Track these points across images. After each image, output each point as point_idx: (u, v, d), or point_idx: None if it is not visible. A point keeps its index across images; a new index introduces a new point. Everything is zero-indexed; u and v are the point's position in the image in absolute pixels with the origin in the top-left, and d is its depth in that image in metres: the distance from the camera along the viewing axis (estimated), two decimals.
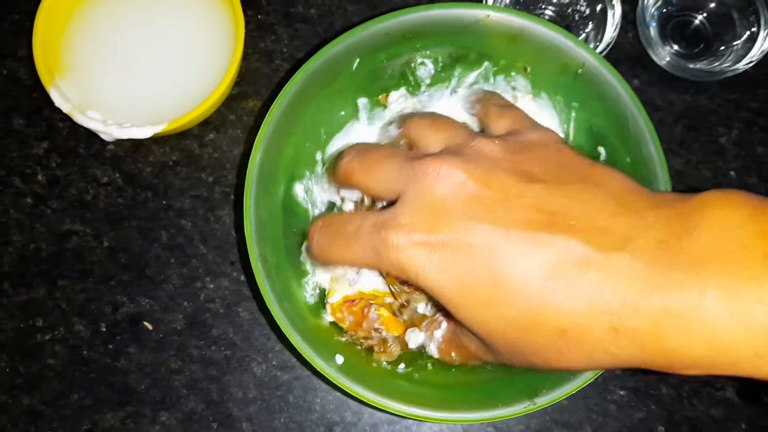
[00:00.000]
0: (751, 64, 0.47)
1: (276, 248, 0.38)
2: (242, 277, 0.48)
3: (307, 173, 0.42)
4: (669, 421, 0.46)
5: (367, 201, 0.40)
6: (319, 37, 0.51)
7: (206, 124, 0.50)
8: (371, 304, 0.40)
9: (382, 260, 0.30)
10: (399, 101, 0.44)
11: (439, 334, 0.36)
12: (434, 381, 0.39)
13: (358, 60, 0.40)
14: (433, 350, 0.37)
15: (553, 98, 0.42)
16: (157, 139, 0.50)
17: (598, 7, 0.49)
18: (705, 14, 0.51)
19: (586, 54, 0.39)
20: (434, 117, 0.35)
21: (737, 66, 0.48)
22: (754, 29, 0.48)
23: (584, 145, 0.42)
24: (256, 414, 0.46)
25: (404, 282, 0.39)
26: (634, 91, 0.38)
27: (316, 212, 0.43)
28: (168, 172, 0.49)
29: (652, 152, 0.37)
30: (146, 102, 0.47)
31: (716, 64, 0.49)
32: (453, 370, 0.39)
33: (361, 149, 0.34)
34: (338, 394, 0.47)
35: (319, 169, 0.43)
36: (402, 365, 0.39)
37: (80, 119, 0.45)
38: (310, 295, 0.40)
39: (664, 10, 0.51)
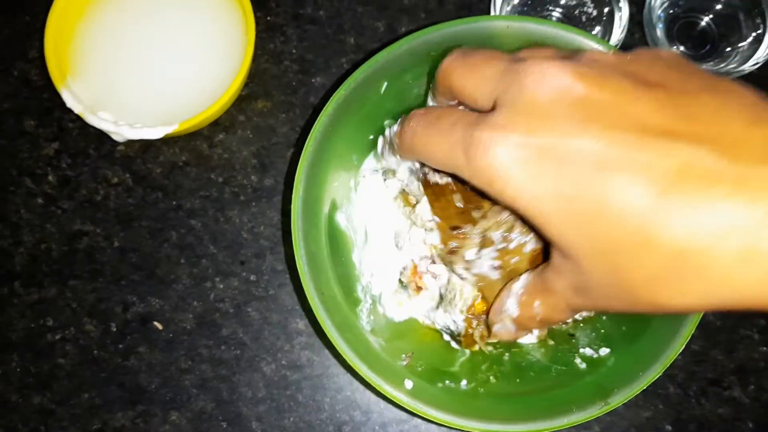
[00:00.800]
0: (757, 66, 0.48)
1: (328, 280, 0.38)
2: (252, 277, 0.48)
3: (345, 201, 0.42)
4: (676, 420, 0.47)
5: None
6: (328, 38, 0.52)
7: (216, 124, 0.50)
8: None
9: (470, 162, 0.26)
10: None
11: (518, 286, 0.32)
12: (498, 392, 0.38)
13: (386, 84, 0.40)
14: (512, 307, 0.33)
15: None
16: (167, 140, 0.50)
17: (606, 9, 0.50)
18: (711, 16, 0.51)
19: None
20: (470, 52, 0.30)
21: (743, 67, 0.48)
22: (760, 31, 0.48)
23: None
24: (266, 413, 0.47)
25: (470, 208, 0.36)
26: None
27: (358, 239, 0.42)
28: (178, 172, 0.50)
29: None
30: (157, 103, 0.47)
31: (722, 65, 0.49)
32: (518, 380, 0.38)
33: (464, 51, 0.30)
34: (347, 393, 0.47)
35: (353, 195, 0.43)
36: (464, 381, 0.39)
37: (92, 120, 0.45)
38: (366, 322, 0.40)
39: (671, 12, 0.51)
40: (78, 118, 0.46)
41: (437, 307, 0.40)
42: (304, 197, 0.37)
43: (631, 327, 0.39)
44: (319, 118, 0.38)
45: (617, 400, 0.35)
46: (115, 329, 0.48)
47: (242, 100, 0.50)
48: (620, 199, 0.23)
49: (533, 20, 0.39)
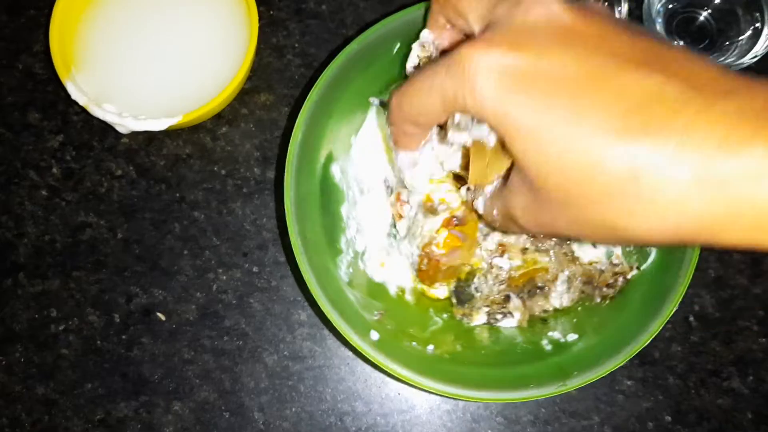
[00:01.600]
0: (755, 59, 0.48)
1: (314, 226, 0.39)
2: (254, 269, 0.49)
3: (343, 155, 0.42)
4: (676, 410, 0.47)
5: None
6: (330, 32, 0.52)
7: (219, 117, 0.50)
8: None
9: (451, 75, 0.26)
10: None
11: (489, 188, 0.33)
12: (463, 360, 0.39)
13: (398, 44, 0.40)
14: (479, 206, 0.34)
15: None
16: (170, 133, 0.50)
17: (605, 4, 0.50)
18: (710, 10, 0.52)
19: None
20: None
21: (742, 61, 0.48)
22: (758, 25, 0.49)
23: None
24: (268, 403, 0.47)
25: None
26: None
27: (350, 193, 0.43)
28: (181, 165, 0.50)
29: None
30: (161, 95, 0.47)
31: (721, 59, 0.50)
32: (483, 352, 0.39)
33: None
34: (349, 384, 0.47)
35: (353, 151, 0.43)
36: (431, 346, 0.40)
37: (96, 112, 0.45)
38: (344, 273, 0.41)
39: (670, 6, 0.52)
40: (82, 110, 0.46)
41: (405, 237, 0.41)
42: (301, 142, 0.38)
43: (603, 319, 0.40)
44: (327, 69, 0.38)
45: (575, 383, 0.36)
46: (118, 320, 0.48)
47: (245, 94, 0.51)
48: (589, 119, 0.23)
49: None
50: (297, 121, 0.38)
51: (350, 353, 0.48)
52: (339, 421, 0.47)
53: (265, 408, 0.47)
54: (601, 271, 0.42)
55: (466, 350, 0.40)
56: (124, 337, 0.48)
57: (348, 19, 0.52)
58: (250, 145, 0.50)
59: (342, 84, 0.40)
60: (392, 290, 0.43)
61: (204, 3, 0.48)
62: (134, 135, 0.50)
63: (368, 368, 0.48)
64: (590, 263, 0.42)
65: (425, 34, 0.36)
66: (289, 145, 0.38)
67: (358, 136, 0.43)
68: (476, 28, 0.29)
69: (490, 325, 0.42)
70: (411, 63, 0.37)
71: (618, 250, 0.42)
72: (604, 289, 0.42)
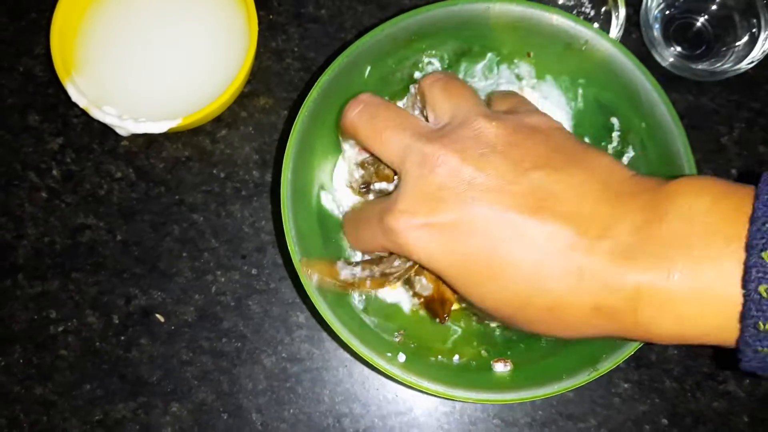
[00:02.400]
0: (752, 65, 0.49)
1: (318, 253, 0.39)
2: (253, 271, 0.49)
3: (332, 183, 0.43)
4: (672, 413, 0.47)
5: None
6: (329, 37, 0.52)
7: (218, 120, 0.51)
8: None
9: (392, 244, 0.33)
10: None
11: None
12: (490, 365, 0.39)
13: (369, 68, 0.41)
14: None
15: (558, 79, 0.43)
16: (169, 136, 0.50)
17: (603, 9, 0.51)
18: (707, 16, 0.52)
19: (587, 31, 0.40)
20: (448, 80, 0.37)
21: (739, 66, 0.49)
22: (754, 30, 0.49)
23: (596, 119, 0.43)
24: (266, 405, 0.47)
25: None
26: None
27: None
28: (180, 167, 0.50)
29: (665, 113, 0.38)
30: (160, 98, 0.48)
31: (718, 64, 0.50)
32: (509, 352, 0.39)
33: (371, 105, 0.36)
34: (347, 386, 0.48)
35: (335, 182, 0.43)
36: (456, 356, 0.39)
37: (96, 114, 0.45)
38: (358, 302, 0.40)
39: (667, 12, 0.52)
40: (82, 113, 0.47)
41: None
42: (292, 182, 0.38)
43: None
44: (304, 103, 0.39)
45: (605, 366, 0.36)
46: (117, 321, 0.48)
47: (244, 97, 0.51)
48: (506, 269, 0.30)
49: (512, 2, 0.40)
50: (284, 161, 0.38)
51: (348, 355, 0.48)
52: (337, 423, 0.47)
53: (263, 409, 0.47)
54: None
55: (491, 354, 0.39)
56: (122, 338, 0.48)
57: (347, 24, 0.53)
58: (249, 148, 0.51)
59: (322, 113, 0.40)
60: (406, 308, 0.42)
61: (204, 7, 0.49)
62: (134, 138, 0.50)
63: (366, 370, 0.48)
64: None
65: (349, 149, 0.41)
66: (281, 189, 0.38)
67: (335, 170, 0.43)
68: (385, 162, 0.35)
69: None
70: (349, 178, 0.42)
71: None
72: None
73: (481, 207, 0.30)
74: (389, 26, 0.40)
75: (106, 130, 0.50)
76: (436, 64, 0.44)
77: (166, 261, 0.49)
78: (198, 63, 0.48)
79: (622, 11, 0.49)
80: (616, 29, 0.50)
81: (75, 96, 0.46)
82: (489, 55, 0.43)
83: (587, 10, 0.51)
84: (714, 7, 0.52)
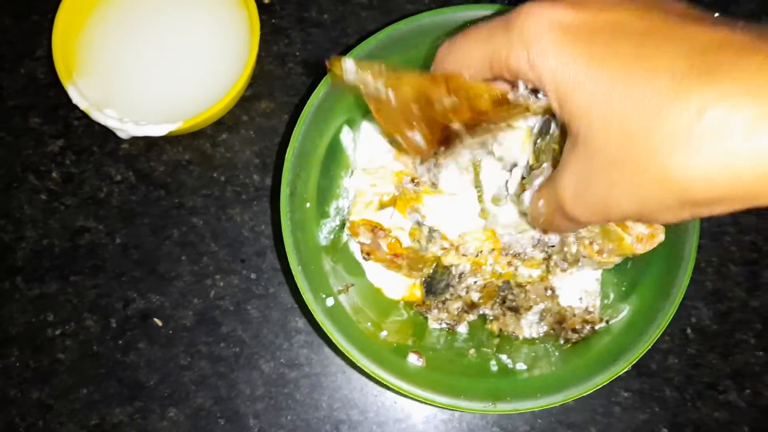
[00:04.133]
0: None
1: (307, 179, 0.40)
2: (252, 275, 0.49)
3: (359, 121, 0.43)
4: (673, 423, 0.47)
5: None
6: (332, 41, 0.52)
7: (219, 124, 0.51)
8: (384, 234, 0.41)
9: (510, 32, 0.26)
10: None
11: (537, 181, 0.33)
12: (405, 353, 0.41)
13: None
14: (526, 200, 0.34)
15: None
16: (170, 139, 0.50)
17: None
18: None
19: None
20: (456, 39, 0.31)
21: None
22: None
23: None
24: (264, 411, 0.47)
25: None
26: None
27: (358, 164, 0.44)
28: (181, 171, 0.50)
29: None
30: (161, 101, 0.47)
31: None
32: (431, 352, 0.41)
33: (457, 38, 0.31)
34: (345, 392, 0.47)
35: (362, 128, 0.44)
36: (385, 332, 0.41)
37: (97, 116, 0.45)
38: (323, 237, 0.42)
39: None
40: (83, 116, 0.47)
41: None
42: (323, 98, 0.40)
43: (558, 359, 0.41)
44: (370, 38, 0.40)
45: (505, 408, 0.38)
46: (115, 325, 0.48)
47: (246, 101, 0.51)
48: (653, 60, 0.23)
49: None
50: (326, 77, 0.40)
51: (347, 362, 0.48)
52: (335, 430, 0.47)
53: (260, 415, 0.47)
54: (573, 315, 0.42)
55: (415, 345, 0.41)
56: (120, 342, 0.48)
57: (349, 29, 0.53)
58: (249, 152, 0.50)
59: (379, 57, 0.41)
60: (369, 273, 0.43)
61: (206, 10, 0.49)
62: (134, 140, 0.50)
63: (365, 378, 0.47)
64: (567, 307, 0.43)
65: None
66: (312, 95, 0.39)
67: (369, 117, 0.44)
68: None
69: (449, 330, 0.43)
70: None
71: (597, 301, 0.43)
72: (570, 333, 0.42)
73: (637, 5, 0.25)
74: (393, 29, 0.40)
75: (106, 133, 0.49)
76: None
77: (165, 264, 0.49)
78: (199, 66, 0.48)
79: None
80: None
81: (76, 98, 0.46)
82: None
83: None
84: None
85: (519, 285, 0.43)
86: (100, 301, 0.48)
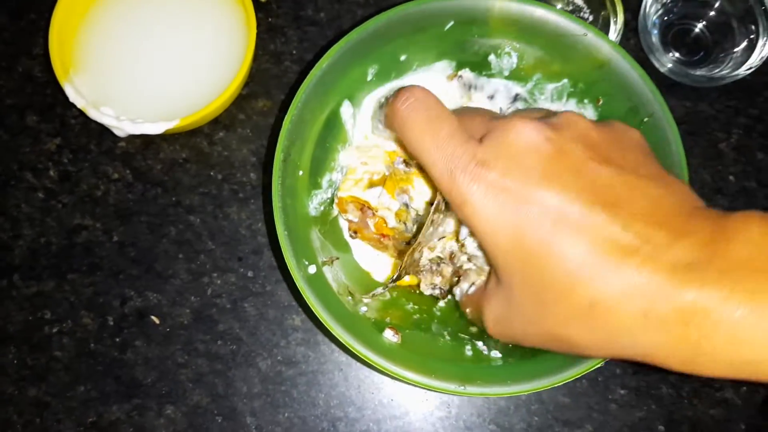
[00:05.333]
0: (750, 71, 0.49)
1: (302, 148, 0.40)
2: (249, 273, 0.49)
3: (361, 98, 0.44)
4: (669, 420, 0.47)
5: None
6: (327, 39, 0.52)
7: (216, 122, 0.51)
8: (372, 213, 0.41)
9: (452, 183, 0.30)
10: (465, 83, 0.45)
11: (465, 286, 0.37)
12: (382, 327, 0.41)
13: (452, 23, 0.41)
14: (458, 293, 0.39)
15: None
16: (167, 137, 0.50)
17: (601, 14, 0.51)
18: (705, 22, 0.52)
19: (658, 105, 0.40)
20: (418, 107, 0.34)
21: (737, 72, 0.49)
22: (752, 36, 0.49)
23: None
24: (261, 408, 0.47)
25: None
26: None
27: (355, 138, 0.44)
28: (178, 169, 0.50)
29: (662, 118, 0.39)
30: (158, 99, 0.48)
31: (716, 70, 0.50)
32: (407, 330, 0.41)
33: (423, 105, 0.33)
34: (342, 390, 0.47)
35: (364, 103, 0.44)
36: (364, 308, 0.41)
37: (94, 115, 0.45)
38: (313, 208, 0.42)
39: (665, 18, 0.52)
40: (80, 114, 0.47)
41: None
42: (324, 72, 0.40)
43: (536, 351, 0.41)
44: (382, 14, 0.40)
45: (473, 391, 0.38)
46: (112, 323, 0.48)
47: (243, 99, 0.51)
48: (557, 251, 0.28)
49: (608, 41, 0.40)
50: (328, 52, 0.40)
51: (344, 359, 0.48)
52: (332, 427, 0.47)
53: (257, 413, 0.47)
54: None
55: (392, 323, 0.41)
56: (117, 339, 0.48)
57: (346, 26, 0.53)
58: (246, 150, 0.51)
59: (387, 36, 0.41)
60: (355, 252, 0.44)
61: (202, 9, 0.49)
62: (131, 139, 0.50)
63: (362, 374, 0.48)
64: None
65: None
66: (314, 68, 0.39)
67: (370, 96, 0.44)
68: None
69: (429, 304, 0.43)
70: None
71: None
72: None
73: (554, 185, 0.28)
74: (391, 15, 0.40)
75: (103, 131, 0.50)
76: (514, 59, 0.43)
77: (162, 263, 0.49)
78: (196, 64, 0.48)
79: (621, 17, 0.49)
80: (614, 35, 0.50)
81: (73, 97, 0.46)
82: (564, 81, 0.43)
83: (586, 16, 0.52)
84: (712, 13, 0.52)
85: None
86: (97, 299, 0.48)
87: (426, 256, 0.42)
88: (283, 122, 0.39)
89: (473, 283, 0.38)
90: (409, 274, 0.41)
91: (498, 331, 0.33)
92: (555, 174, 0.28)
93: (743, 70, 0.49)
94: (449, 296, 0.43)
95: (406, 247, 0.42)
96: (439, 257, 0.42)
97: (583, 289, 0.27)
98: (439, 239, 0.40)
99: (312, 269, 0.39)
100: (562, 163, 0.29)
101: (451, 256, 0.42)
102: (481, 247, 0.31)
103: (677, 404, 0.47)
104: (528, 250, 0.28)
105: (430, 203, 0.40)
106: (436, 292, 0.43)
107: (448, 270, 0.42)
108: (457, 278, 0.41)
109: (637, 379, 0.47)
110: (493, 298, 0.33)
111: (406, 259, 0.39)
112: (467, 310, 0.37)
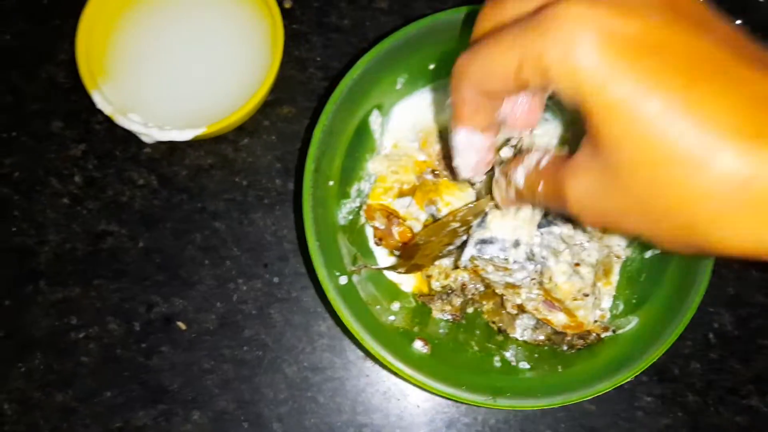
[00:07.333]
0: None
1: (333, 158, 0.41)
2: (275, 279, 0.49)
3: (389, 107, 0.44)
4: (695, 428, 0.47)
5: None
6: (352, 46, 0.52)
7: (241, 129, 0.51)
8: (398, 222, 0.42)
9: (544, 38, 0.23)
10: None
11: (533, 159, 0.30)
12: (411, 339, 0.42)
13: (405, 77, 0.43)
14: (519, 178, 0.31)
15: None
16: (192, 143, 0.51)
17: None
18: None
19: None
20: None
21: None
22: None
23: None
24: (287, 414, 0.47)
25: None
26: None
27: (382, 149, 0.45)
28: (203, 175, 0.50)
29: None
30: (185, 106, 0.48)
31: None
32: (435, 341, 0.42)
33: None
34: (368, 396, 0.47)
35: (393, 112, 0.45)
36: (392, 317, 0.41)
37: (122, 121, 0.46)
38: (342, 217, 0.43)
39: None
40: (105, 120, 0.47)
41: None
42: (358, 79, 0.40)
43: (562, 363, 0.42)
44: (425, 18, 0.41)
45: (504, 404, 0.39)
46: (138, 329, 0.48)
47: (267, 106, 0.51)
48: (707, 110, 0.21)
49: None
50: (363, 58, 0.41)
51: (370, 364, 0.48)
52: None
53: (284, 419, 0.47)
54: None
55: (421, 332, 0.41)
56: (143, 345, 0.48)
57: (369, 34, 0.53)
58: (271, 157, 0.51)
59: (423, 41, 0.42)
60: (379, 260, 0.45)
61: (230, 16, 0.49)
62: (156, 145, 0.50)
63: (388, 381, 0.48)
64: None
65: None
66: (345, 77, 0.40)
67: (400, 104, 0.45)
68: None
69: (454, 322, 0.43)
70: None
71: (607, 313, 0.43)
72: (575, 339, 0.42)
73: (687, 29, 0.22)
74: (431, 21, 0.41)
75: (128, 137, 0.50)
76: None
77: (187, 268, 0.49)
78: (223, 72, 0.48)
79: None
80: None
81: (101, 104, 0.46)
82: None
83: None
84: None
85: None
86: (123, 304, 0.48)
87: (437, 284, 0.43)
88: (314, 132, 0.39)
89: (541, 158, 0.29)
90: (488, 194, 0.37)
91: (584, 206, 0.26)
92: (682, 16, 0.23)
93: None
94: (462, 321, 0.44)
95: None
96: (450, 287, 0.43)
97: (737, 164, 0.20)
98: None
99: (343, 280, 0.39)
100: (690, 8, 0.23)
101: (463, 287, 0.42)
102: (580, 110, 0.23)
103: (703, 412, 0.47)
104: (646, 107, 0.21)
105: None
106: (447, 317, 0.43)
107: (457, 301, 0.43)
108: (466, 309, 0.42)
109: (663, 386, 0.47)
110: (582, 170, 0.25)
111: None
112: (538, 189, 0.29)
